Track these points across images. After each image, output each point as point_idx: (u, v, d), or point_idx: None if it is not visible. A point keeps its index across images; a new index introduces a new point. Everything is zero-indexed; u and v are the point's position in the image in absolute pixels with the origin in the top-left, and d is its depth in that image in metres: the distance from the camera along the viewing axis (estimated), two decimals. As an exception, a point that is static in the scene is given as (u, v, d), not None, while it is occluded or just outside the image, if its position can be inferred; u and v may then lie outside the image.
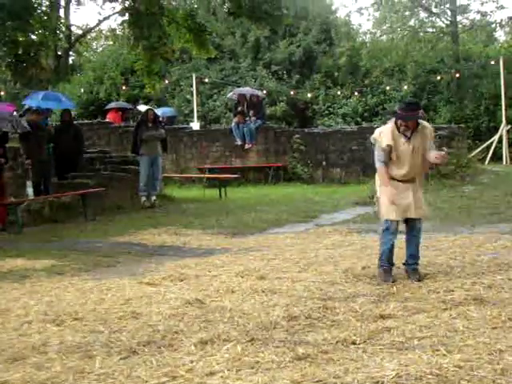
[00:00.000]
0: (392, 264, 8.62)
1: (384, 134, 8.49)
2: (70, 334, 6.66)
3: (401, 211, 8.45)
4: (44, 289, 9.10)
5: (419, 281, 8.30)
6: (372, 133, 8.78)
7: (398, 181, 8.50)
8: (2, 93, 23.39)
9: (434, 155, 8.44)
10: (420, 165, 8.57)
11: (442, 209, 15.65)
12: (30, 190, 17.68)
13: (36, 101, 20.38)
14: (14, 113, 18.93)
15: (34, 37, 20.74)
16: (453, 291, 7.61)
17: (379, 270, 8.59)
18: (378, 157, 8.56)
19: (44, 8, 25.60)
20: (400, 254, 8.88)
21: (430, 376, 4.91)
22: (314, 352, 5.66)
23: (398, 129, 8.39)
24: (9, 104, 20.48)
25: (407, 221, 8.65)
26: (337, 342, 5.92)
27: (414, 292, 7.74)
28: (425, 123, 8.65)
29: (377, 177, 8.83)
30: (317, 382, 4.92)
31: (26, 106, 20.71)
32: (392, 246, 8.61)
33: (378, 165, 8.61)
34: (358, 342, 5.90)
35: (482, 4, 37.21)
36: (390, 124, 8.60)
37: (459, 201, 17.07)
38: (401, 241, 8.97)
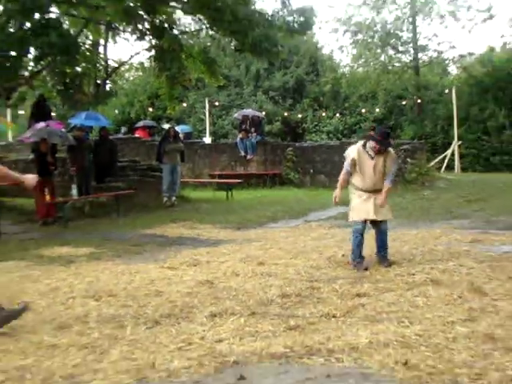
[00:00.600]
0: (362, 257, 8.55)
1: (352, 151, 8.55)
2: (105, 307, 6.68)
3: (363, 213, 8.43)
4: (85, 271, 9.10)
5: (389, 266, 8.28)
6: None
7: (364, 191, 8.49)
8: (54, 113, 23.44)
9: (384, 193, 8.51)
10: (381, 180, 8.51)
11: (406, 209, 15.62)
12: (74, 192, 17.67)
13: (80, 119, 20.37)
14: (63, 129, 18.92)
15: (78, 69, 20.73)
16: (414, 275, 7.62)
17: (353, 263, 8.53)
18: (345, 166, 8.63)
19: (87, 46, 25.63)
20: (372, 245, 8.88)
21: (395, 342, 4.95)
22: (302, 323, 5.68)
23: (364, 147, 8.44)
24: (58, 122, 20.42)
25: (375, 223, 8.61)
26: (321, 316, 5.93)
27: (384, 275, 7.74)
28: (390, 149, 8.61)
29: (349, 186, 8.81)
30: (305, 347, 4.93)
31: (72, 124, 20.70)
32: (360, 243, 8.55)
33: (343, 171, 8.69)
34: (338, 316, 5.91)
35: (439, 44, 37.33)
36: (359, 144, 8.62)
37: (420, 202, 17.06)
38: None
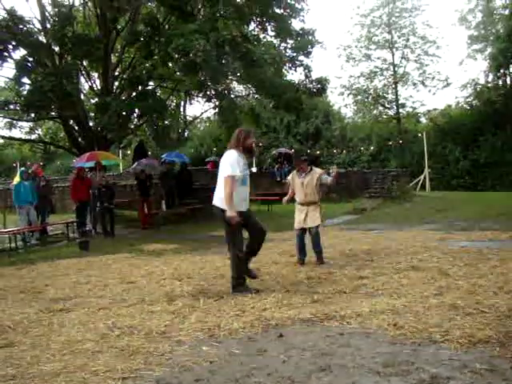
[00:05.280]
0: (304, 255, 8.08)
1: (290, 174, 8.30)
2: (186, 286, 6.72)
3: (297, 223, 8.09)
4: (172, 260, 9.18)
5: (322, 263, 7.87)
6: (352, 173, 8.57)
7: (300, 204, 8.10)
8: (149, 153, 23.90)
9: (330, 178, 8.13)
10: (311, 194, 8.02)
11: (393, 217, 15.46)
12: (163, 206, 17.88)
13: (171, 157, 20.53)
14: (156, 164, 19.19)
15: (166, 122, 21.07)
16: (400, 263, 7.50)
17: (297, 258, 8.14)
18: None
19: (172, 107, 26.02)
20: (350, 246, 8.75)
21: (388, 311, 4.87)
22: (322, 297, 5.63)
23: (297, 172, 8.12)
24: (154, 158, 20.69)
25: (309, 229, 8.10)
26: (335, 292, 5.87)
27: (378, 264, 7.62)
28: (316, 169, 8.22)
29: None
30: (324, 314, 4.88)
31: (163, 159, 20.94)
32: (300, 245, 8.11)
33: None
34: (347, 292, 5.85)
35: (413, 102, 37.31)
36: (294, 171, 8.26)
37: (402, 212, 16.84)
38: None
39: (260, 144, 33.11)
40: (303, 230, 8.11)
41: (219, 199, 6.03)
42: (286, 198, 8.14)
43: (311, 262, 8.07)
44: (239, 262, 6.14)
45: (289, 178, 8.30)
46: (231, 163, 5.94)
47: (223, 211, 5.93)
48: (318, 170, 8.20)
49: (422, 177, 27.67)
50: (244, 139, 6.12)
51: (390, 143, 33.01)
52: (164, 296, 6.17)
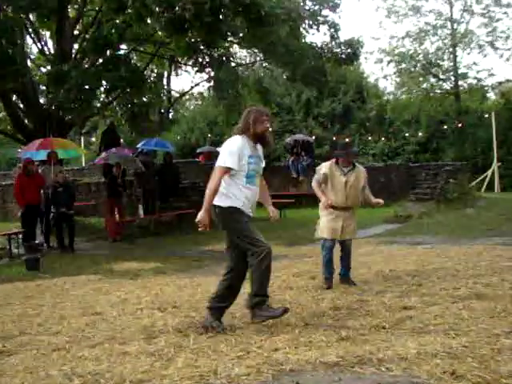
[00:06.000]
0: (331, 273, 8.25)
1: (324, 166, 8.22)
2: (170, 318, 6.74)
3: (331, 232, 8.14)
4: (151, 284, 9.21)
5: (353, 284, 8.13)
6: (393, 168, 8.64)
7: (334, 208, 8.11)
8: (122, 140, 23.84)
9: (375, 200, 8.33)
10: (354, 197, 8.18)
11: (449, 226, 15.42)
12: (141, 211, 17.91)
13: (149, 145, 20.58)
14: (131, 155, 19.22)
15: (145, 99, 21.09)
16: (459, 289, 7.45)
17: (323, 277, 8.30)
18: (315, 177, 8.23)
19: (152, 79, 26.09)
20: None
21: (442, 354, 4.82)
22: (353, 334, 5.60)
23: (337, 164, 8.15)
24: (127, 148, 20.73)
25: (340, 241, 8.29)
26: (371, 327, 5.85)
27: (429, 289, 7.58)
28: (360, 167, 8.36)
29: (320, 204, 8.36)
30: (356, 357, 4.85)
31: (139, 149, 20.99)
32: (329, 259, 8.25)
33: (313, 183, 8.26)
34: (387, 327, 5.83)
35: (478, 72, 36.90)
36: (332, 160, 8.26)
37: (462, 220, 16.79)
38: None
39: (270, 129, 33.14)
40: (334, 242, 8.25)
41: (217, 196, 6.22)
42: (327, 201, 8.10)
43: (338, 286, 8.07)
44: (265, 271, 6.12)
45: (324, 170, 8.17)
46: (230, 151, 5.94)
47: (219, 211, 6.36)
48: (362, 169, 8.39)
49: (489, 173, 27.67)
50: (254, 123, 6.05)
51: (446, 127, 32.93)
52: (141, 332, 6.18)
